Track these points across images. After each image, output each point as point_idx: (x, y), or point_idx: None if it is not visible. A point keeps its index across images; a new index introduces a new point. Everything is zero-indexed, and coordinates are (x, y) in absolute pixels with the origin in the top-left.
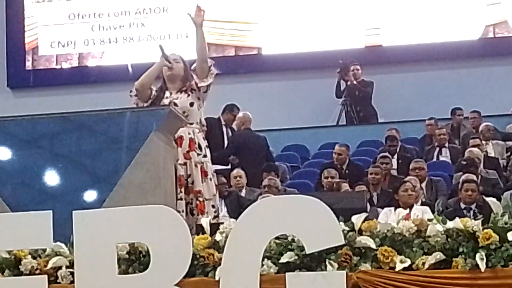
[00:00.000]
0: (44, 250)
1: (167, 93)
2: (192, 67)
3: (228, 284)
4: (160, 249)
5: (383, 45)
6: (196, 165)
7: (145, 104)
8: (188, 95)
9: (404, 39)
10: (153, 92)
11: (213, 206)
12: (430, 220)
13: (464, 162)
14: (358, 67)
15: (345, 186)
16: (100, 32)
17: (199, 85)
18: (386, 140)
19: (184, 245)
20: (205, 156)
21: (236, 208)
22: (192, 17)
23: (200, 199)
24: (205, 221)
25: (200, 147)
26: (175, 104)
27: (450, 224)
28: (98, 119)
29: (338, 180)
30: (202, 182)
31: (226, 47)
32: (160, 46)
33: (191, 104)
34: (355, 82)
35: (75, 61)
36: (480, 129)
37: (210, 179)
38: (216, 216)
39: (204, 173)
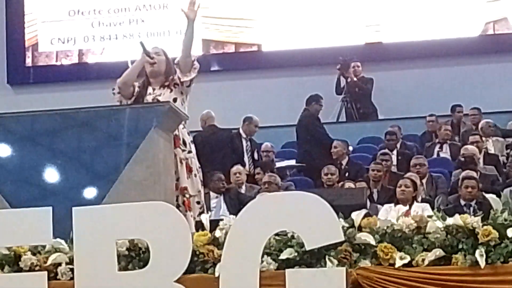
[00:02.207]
0: (44, 247)
1: (149, 89)
2: (175, 61)
3: (228, 281)
4: (160, 246)
5: (383, 42)
6: (181, 162)
7: (129, 102)
8: (171, 90)
9: (404, 36)
10: (136, 89)
11: (198, 203)
12: (429, 216)
13: (463, 159)
14: (359, 64)
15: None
16: (100, 28)
17: (182, 79)
18: (385, 135)
19: (183, 242)
20: (189, 152)
21: (236, 204)
22: (185, 12)
23: (187, 195)
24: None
25: (184, 143)
26: (158, 101)
27: (449, 221)
28: (98, 116)
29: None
30: (187, 179)
31: (226, 44)
32: (141, 42)
33: (174, 100)
34: (355, 79)
35: (75, 57)
36: (480, 126)
37: (195, 175)
38: (202, 213)
39: (189, 169)
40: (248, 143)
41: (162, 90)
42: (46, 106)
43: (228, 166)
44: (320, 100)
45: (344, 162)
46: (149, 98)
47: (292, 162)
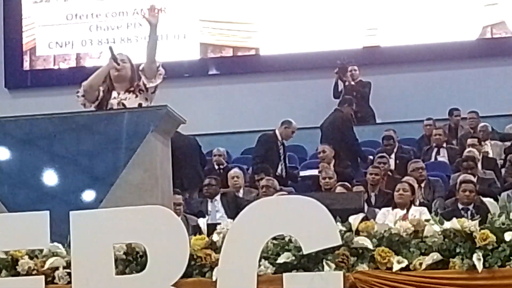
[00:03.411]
0: (41, 251)
1: (114, 94)
2: (140, 68)
3: (225, 285)
4: (157, 250)
5: (380, 46)
6: None
7: (92, 105)
8: (136, 96)
9: (401, 39)
10: (101, 93)
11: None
12: (427, 220)
13: (463, 162)
14: (356, 67)
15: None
16: (97, 32)
17: (147, 85)
18: (383, 140)
19: (181, 246)
20: None
21: (234, 208)
22: (147, 17)
23: None
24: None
25: None
26: (124, 105)
27: (447, 225)
28: (96, 119)
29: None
30: None
31: (224, 48)
32: (110, 47)
33: (140, 105)
34: (353, 83)
35: (73, 61)
36: (478, 129)
37: None
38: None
39: None
40: (282, 146)
41: (128, 94)
42: (44, 110)
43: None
44: (353, 103)
45: (331, 165)
46: (114, 102)
47: (315, 172)
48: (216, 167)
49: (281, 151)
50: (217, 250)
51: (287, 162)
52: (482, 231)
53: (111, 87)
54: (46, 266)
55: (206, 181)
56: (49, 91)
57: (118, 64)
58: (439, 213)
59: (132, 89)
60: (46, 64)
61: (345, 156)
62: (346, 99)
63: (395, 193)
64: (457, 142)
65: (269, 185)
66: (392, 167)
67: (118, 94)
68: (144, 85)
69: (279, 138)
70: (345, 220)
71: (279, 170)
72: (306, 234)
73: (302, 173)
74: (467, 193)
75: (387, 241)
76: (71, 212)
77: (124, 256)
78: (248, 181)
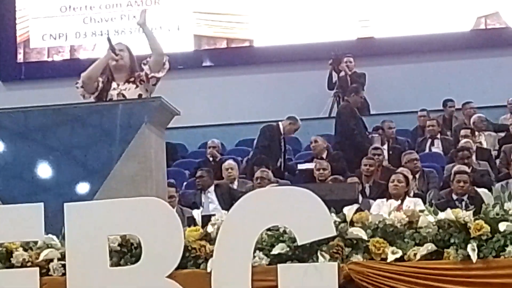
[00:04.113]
0: (36, 243)
1: (114, 84)
2: (145, 60)
3: (220, 276)
4: (151, 241)
5: (375, 37)
6: None
7: (92, 96)
8: (137, 86)
9: (396, 31)
10: (100, 84)
11: None
12: (421, 211)
13: (457, 153)
14: (352, 59)
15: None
16: (91, 24)
17: (149, 75)
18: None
19: (175, 237)
20: None
21: (228, 200)
22: (137, 22)
23: None
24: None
25: None
26: (124, 96)
27: (441, 215)
28: (90, 112)
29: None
30: None
31: (218, 39)
32: (108, 38)
33: (139, 96)
34: (349, 73)
35: (67, 53)
36: (473, 120)
37: None
38: None
39: None
40: (283, 140)
41: (128, 85)
42: (38, 102)
43: None
44: (360, 91)
45: (324, 156)
46: (114, 93)
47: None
48: (211, 158)
49: (282, 144)
50: (212, 241)
51: (286, 156)
52: (477, 221)
53: (111, 78)
54: (41, 258)
55: (198, 173)
56: (43, 84)
57: (117, 55)
58: (433, 204)
59: (132, 79)
60: (40, 57)
61: (350, 146)
62: (352, 88)
63: (390, 184)
64: (451, 133)
65: (264, 176)
66: (386, 158)
67: (118, 85)
68: (146, 75)
69: (282, 132)
70: (339, 211)
71: (278, 163)
72: (300, 225)
73: (300, 166)
74: (461, 183)
75: (381, 232)
76: (65, 204)
77: (118, 248)
78: (245, 171)
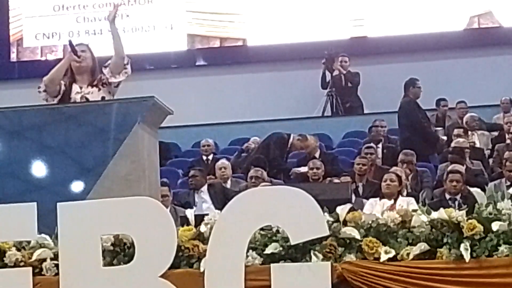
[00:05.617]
0: (29, 242)
1: (77, 88)
2: (106, 63)
3: (213, 276)
4: (144, 241)
5: (368, 36)
6: None
7: (55, 99)
8: (99, 89)
9: (389, 30)
10: (62, 87)
11: None
12: (414, 210)
13: (451, 153)
14: (346, 58)
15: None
16: (85, 23)
17: (109, 80)
18: (369, 130)
19: (169, 237)
20: None
21: (221, 199)
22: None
23: None
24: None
25: None
26: (87, 99)
27: (434, 215)
28: (84, 111)
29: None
30: None
31: (211, 39)
32: (69, 41)
33: (103, 98)
34: (344, 72)
35: (60, 52)
36: (466, 119)
37: None
38: None
39: None
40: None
41: (91, 89)
42: (32, 101)
43: None
44: (416, 82)
45: (316, 155)
46: (77, 97)
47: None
48: (204, 158)
49: (285, 157)
50: (205, 241)
51: (285, 166)
52: (470, 221)
53: (73, 80)
54: (34, 257)
55: (191, 172)
56: (36, 83)
57: (79, 57)
58: (426, 203)
59: (95, 83)
60: (33, 56)
61: (420, 140)
62: (409, 81)
63: (383, 184)
64: (445, 132)
65: (258, 176)
66: (380, 157)
67: (81, 88)
68: (107, 79)
69: (288, 145)
70: (332, 211)
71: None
72: (293, 225)
73: (294, 170)
74: (454, 183)
75: (374, 231)
76: (58, 204)
77: (111, 248)
78: (241, 166)
